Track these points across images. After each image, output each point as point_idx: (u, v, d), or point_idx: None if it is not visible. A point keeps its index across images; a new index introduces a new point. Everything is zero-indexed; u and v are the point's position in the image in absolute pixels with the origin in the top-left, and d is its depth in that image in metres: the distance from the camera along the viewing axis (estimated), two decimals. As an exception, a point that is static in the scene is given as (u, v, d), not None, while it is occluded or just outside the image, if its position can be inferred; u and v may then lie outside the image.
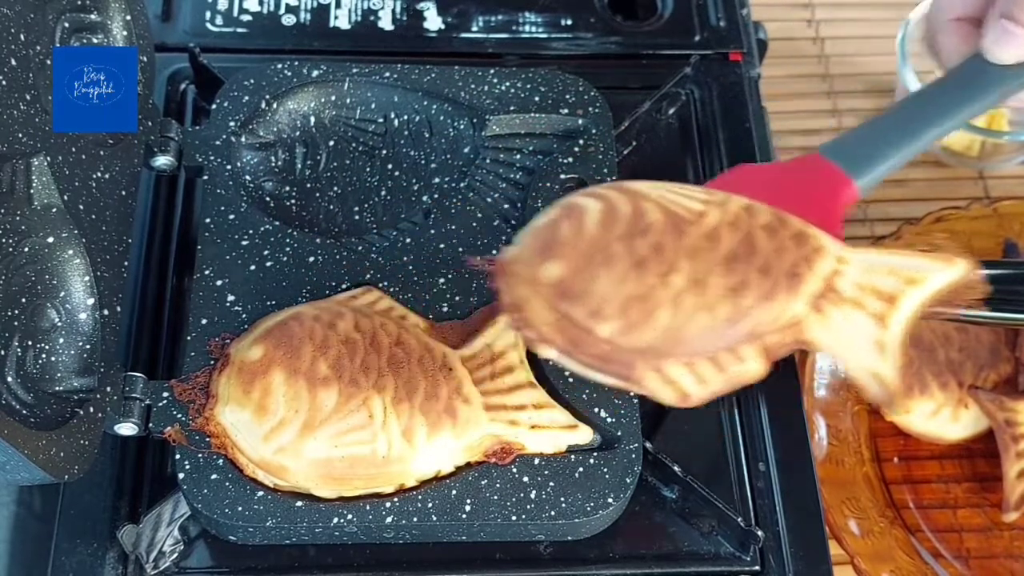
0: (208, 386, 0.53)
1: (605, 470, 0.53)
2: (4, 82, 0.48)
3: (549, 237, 0.47)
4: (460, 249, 0.59)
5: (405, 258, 0.58)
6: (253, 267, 0.57)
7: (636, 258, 0.46)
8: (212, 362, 0.54)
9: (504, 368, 0.55)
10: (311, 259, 0.58)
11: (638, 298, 0.46)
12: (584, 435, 0.54)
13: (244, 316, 0.56)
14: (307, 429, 0.51)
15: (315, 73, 0.63)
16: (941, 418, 0.68)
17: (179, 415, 0.53)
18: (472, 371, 0.54)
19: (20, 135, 0.49)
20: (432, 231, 0.59)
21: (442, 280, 0.58)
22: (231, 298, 0.56)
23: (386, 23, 0.72)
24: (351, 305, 0.56)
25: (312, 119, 0.63)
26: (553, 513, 0.52)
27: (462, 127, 0.63)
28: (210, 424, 0.52)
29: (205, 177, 0.60)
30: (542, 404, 0.54)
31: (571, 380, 0.55)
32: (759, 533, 0.55)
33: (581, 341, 0.46)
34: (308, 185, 0.62)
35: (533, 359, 0.56)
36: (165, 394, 0.53)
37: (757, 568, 0.56)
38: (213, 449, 0.52)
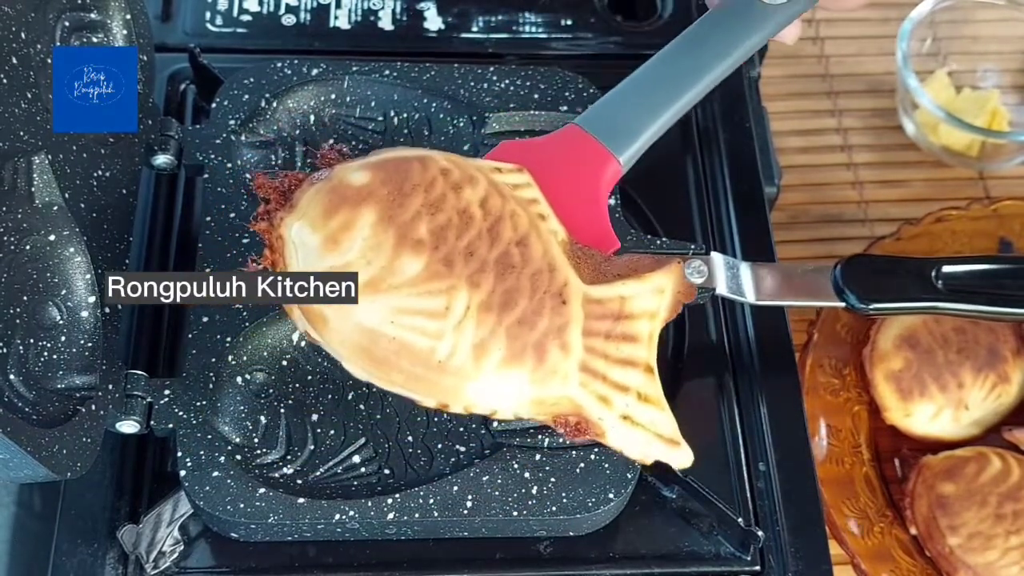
0: (292, 191, 0.46)
1: (606, 465, 0.53)
2: (5, 80, 0.48)
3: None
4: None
5: (405, 256, 0.58)
6: (254, 265, 0.57)
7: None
8: (309, 169, 0.48)
9: (626, 334, 0.47)
10: (312, 257, 0.57)
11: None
12: (683, 458, 0.47)
13: (245, 314, 0.55)
14: (370, 288, 0.44)
15: (315, 71, 0.63)
16: (942, 421, 0.68)
17: (181, 413, 0.53)
18: (589, 317, 0.46)
19: (21, 133, 0.49)
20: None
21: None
22: (232, 296, 0.56)
23: (386, 23, 0.72)
24: (492, 178, 0.48)
25: (312, 117, 0.63)
26: (554, 508, 0.52)
27: (462, 125, 0.63)
28: (273, 232, 0.45)
29: (206, 175, 0.60)
30: (650, 398, 0.47)
31: None
32: (759, 533, 0.55)
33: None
34: (308, 184, 0.62)
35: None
36: (167, 392, 0.53)
37: (757, 568, 0.56)
38: (263, 264, 0.46)
